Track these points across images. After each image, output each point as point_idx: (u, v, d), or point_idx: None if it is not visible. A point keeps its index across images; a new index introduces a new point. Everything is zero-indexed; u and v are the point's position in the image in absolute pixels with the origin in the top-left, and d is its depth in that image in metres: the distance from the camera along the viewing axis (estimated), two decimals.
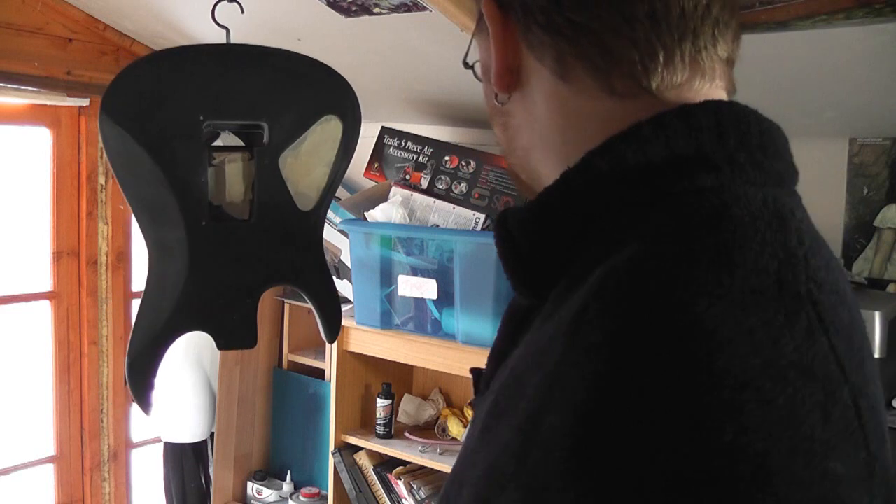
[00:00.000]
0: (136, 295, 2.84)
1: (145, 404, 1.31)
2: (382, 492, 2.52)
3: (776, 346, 0.44)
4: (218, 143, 1.39)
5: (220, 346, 1.37)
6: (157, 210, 1.29)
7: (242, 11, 1.47)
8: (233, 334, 1.35)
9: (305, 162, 1.36)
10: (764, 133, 0.55)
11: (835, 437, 0.45)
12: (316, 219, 1.41)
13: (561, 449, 0.44)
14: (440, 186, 2.39)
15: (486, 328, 2.14)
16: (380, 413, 2.51)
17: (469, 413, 2.50)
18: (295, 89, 1.37)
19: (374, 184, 2.60)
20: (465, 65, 0.70)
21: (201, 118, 1.29)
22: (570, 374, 0.46)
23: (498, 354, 0.63)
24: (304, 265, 1.41)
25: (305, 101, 1.37)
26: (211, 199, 1.33)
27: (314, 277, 1.43)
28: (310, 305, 1.46)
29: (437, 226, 2.31)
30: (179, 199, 1.28)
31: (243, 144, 1.37)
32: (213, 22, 1.43)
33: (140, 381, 1.29)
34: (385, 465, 2.53)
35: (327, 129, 1.38)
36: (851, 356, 0.48)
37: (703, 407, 0.42)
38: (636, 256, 0.49)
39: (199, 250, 1.30)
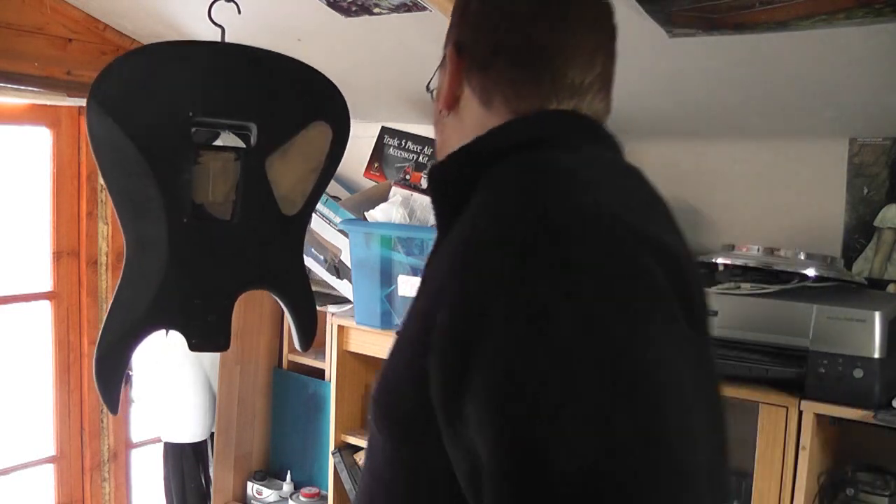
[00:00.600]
0: None
1: (112, 402, 1.29)
2: None
3: (625, 189, 0.80)
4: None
5: (191, 347, 1.35)
6: (138, 203, 1.27)
7: (239, 12, 1.46)
8: (206, 335, 1.33)
9: (292, 166, 1.35)
10: (597, 130, 0.87)
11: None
12: (299, 224, 1.40)
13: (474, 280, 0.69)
14: None
15: None
16: None
17: None
18: (286, 93, 1.36)
19: (374, 184, 2.60)
20: (427, 89, 1.01)
21: (190, 114, 1.28)
22: (468, 242, 0.72)
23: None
24: (283, 270, 1.39)
25: (296, 105, 1.36)
26: (194, 197, 1.31)
27: (293, 284, 1.41)
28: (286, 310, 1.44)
29: None
30: (162, 194, 1.27)
31: (230, 145, 1.36)
32: (212, 23, 1.43)
33: (108, 377, 1.28)
34: None
35: (316, 135, 1.36)
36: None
37: (572, 226, 0.68)
38: (501, 174, 0.79)
39: (179, 248, 1.29)
